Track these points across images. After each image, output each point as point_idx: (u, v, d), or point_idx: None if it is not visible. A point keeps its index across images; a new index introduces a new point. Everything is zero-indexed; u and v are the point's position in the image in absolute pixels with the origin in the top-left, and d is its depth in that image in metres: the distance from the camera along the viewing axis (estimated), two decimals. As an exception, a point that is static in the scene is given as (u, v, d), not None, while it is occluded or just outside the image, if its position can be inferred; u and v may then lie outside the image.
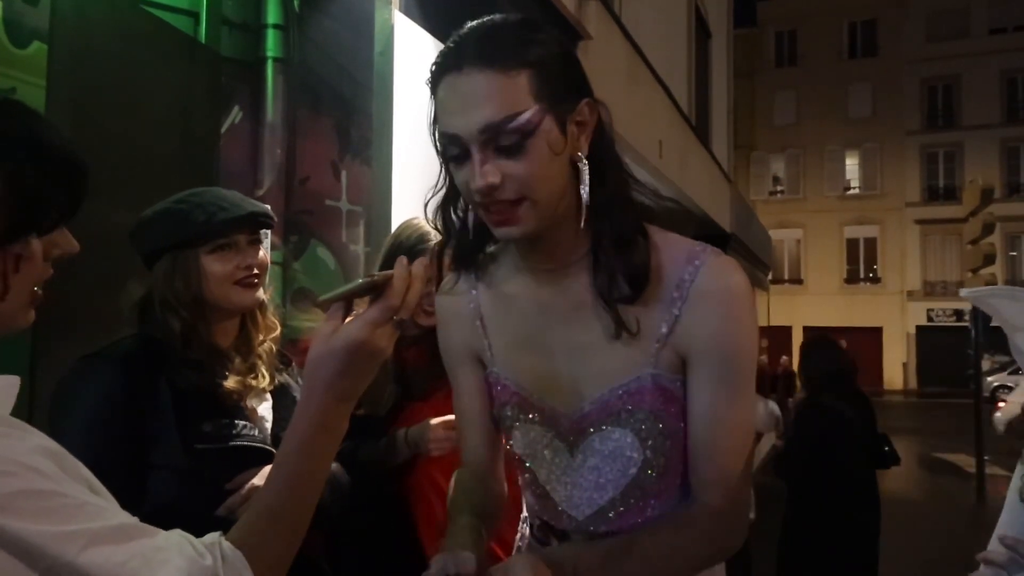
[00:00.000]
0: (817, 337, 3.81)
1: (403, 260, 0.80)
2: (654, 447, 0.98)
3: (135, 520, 0.68)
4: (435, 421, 1.58)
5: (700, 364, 0.95)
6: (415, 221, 1.75)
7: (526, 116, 0.84)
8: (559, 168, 0.89)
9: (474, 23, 0.90)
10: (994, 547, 1.30)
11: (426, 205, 1.02)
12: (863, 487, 3.31)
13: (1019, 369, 20.18)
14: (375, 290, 0.79)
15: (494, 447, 1.13)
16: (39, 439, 0.67)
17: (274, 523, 0.75)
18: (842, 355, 3.55)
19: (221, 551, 0.69)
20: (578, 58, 0.95)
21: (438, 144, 0.92)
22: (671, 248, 0.96)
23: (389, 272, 0.79)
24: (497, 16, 0.91)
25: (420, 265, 0.81)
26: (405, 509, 1.63)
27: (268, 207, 1.40)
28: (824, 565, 3.16)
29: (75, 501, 0.63)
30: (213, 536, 0.71)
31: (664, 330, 0.94)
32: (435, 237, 1.65)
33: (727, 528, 0.99)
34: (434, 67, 0.90)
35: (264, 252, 1.37)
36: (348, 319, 0.79)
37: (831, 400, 3.34)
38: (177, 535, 0.69)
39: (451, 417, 1.55)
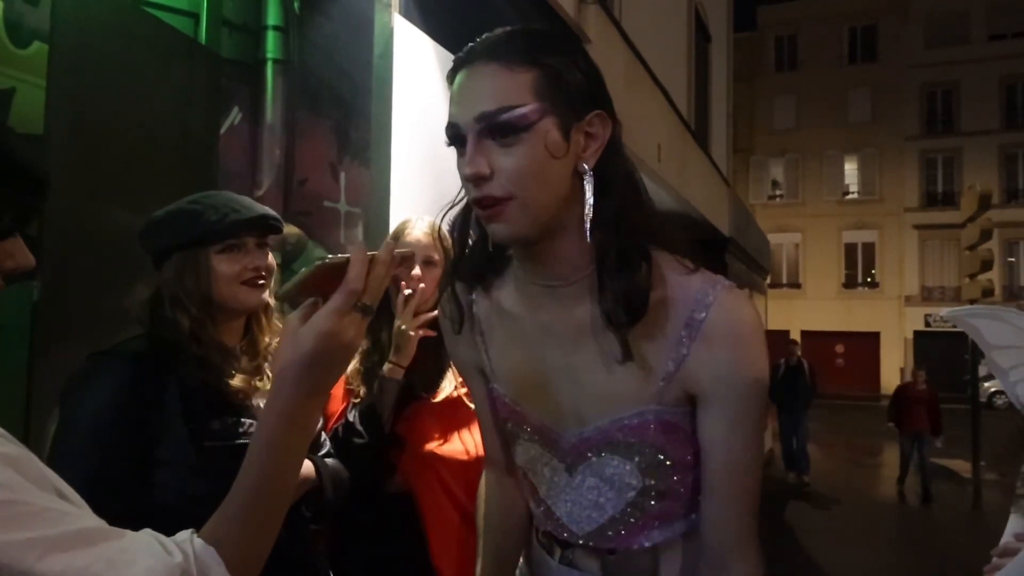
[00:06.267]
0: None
1: (360, 242, 0.79)
2: (654, 476, 0.97)
3: (101, 523, 0.66)
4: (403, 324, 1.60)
5: (712, 404, 0.93)
6: (411, 218, 1.75)
7: (522, 110, 0.84)
8: (557, 173, 0.88)
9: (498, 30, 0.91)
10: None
11: (443, 217, 1.02)
12: None
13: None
14: (334, 273, 0.77)
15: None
16: None
17: (246, 519, 0.74)
18: None
19: (192, 547, 0.68)
20: (600, 73, 0.93)
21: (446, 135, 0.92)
22: (681, 281, 0.93)
23: (346, 256, 0.77)
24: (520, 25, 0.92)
25: (386, 249, 0.79)
26: (412, 510, 1.62)
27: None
28: None
29: (34, 508, 0.61)
30: (184, 533, 0.70)
31: (671, 367, 0.92)
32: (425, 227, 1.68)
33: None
34: (452, 64, 0.91)
35: (271, 256, 1.39)
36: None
37: None
38: (146, 535, 0.68)
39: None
